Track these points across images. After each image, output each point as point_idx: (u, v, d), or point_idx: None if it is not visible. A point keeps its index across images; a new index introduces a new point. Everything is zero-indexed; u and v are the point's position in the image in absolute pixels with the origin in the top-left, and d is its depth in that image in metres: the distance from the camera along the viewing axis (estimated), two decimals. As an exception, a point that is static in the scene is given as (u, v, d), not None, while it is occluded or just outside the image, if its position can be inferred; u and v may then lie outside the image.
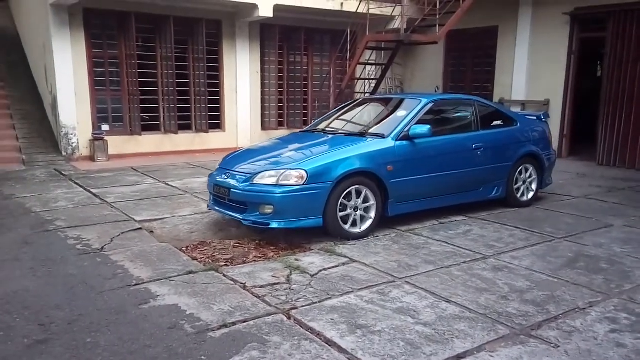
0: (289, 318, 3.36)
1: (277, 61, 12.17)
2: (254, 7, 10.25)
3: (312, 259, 4.53)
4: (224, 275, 4.14)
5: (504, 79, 11.43)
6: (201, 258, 4.61)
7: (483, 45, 11.95)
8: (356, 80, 11.92)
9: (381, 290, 3.84)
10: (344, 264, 4.41)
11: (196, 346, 3.00)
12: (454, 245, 4.93)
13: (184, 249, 4.86)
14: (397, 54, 11.10)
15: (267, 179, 4.95)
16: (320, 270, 4.23)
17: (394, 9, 11.00)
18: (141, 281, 4.00)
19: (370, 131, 5.74)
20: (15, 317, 3.37)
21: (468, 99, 6.48)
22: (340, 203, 5.00)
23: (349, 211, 5.07)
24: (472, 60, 12.35)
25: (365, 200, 5.15)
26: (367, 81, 11.60)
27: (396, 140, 5.39)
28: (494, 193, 6.22)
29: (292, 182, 4.86)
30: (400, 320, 3.34)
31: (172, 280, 4.02)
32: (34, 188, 7.47)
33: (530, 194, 6.55)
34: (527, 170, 6.48)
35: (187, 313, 3.43)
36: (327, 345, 3.01)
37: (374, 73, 11.76)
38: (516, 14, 11.00)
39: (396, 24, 11.25)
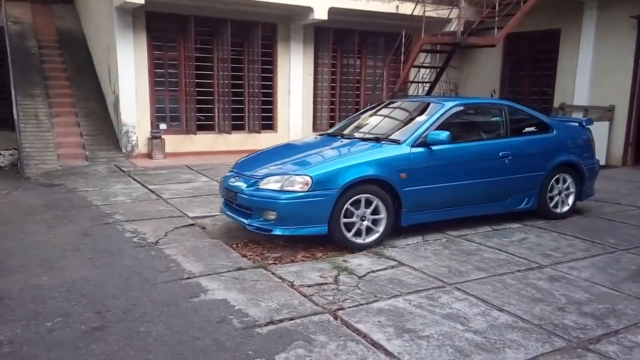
0: (336, 318, 3.35)
1: (330, 63, 12.20)
2: (309, 10, 10.33)
3: (360, 261, 4.49)
4: (272, 273, 4.17)
5: (565, 84, 10.99)
6: (250, 255, 4.67)
7: (544, 48, 11.55)
8: (409, 83, 11.78)
9: (430, 295, 3.76)
10: (392, 267, 4.36)
11: (243, 341, 3.03)
12: (507, 253, 4.77)
13: (234, 245, 4.94)
14: (453, 57, 10.90)
15: (271, 184, 4.80)
16: (368, 272, 4.20)
17: (450, 12, 10.82)
18: (192, 275, 4.10)
19: (386, 137, 5.42)
20: (73, 304, 3.52)
21: (497, 104, 6.17)
22: (347, 210, 4.77)
23: (354, 219, 4.82)
24: (532, 64, 11.95)
25: (375, 211, 4.88)
26: (420, 84, 11.45)
27: (412, 146, 5.10)
28: (523, 204, 5.82)
29: (296, 188, 4.68)
30: (450, 326, 3.26)
31: (222, 276, 4.09)
32: (95, 183, 7.80)
33: (567, 206, 6.10)
34: (564, 181, 6.03)
35: (236, 308, 3.48)
36: (373, 348, 2.98)
37: (428, 76, 11.60)
38: (580, 16, 10.56)
39: (453, 27, 11.06)
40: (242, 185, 5.01)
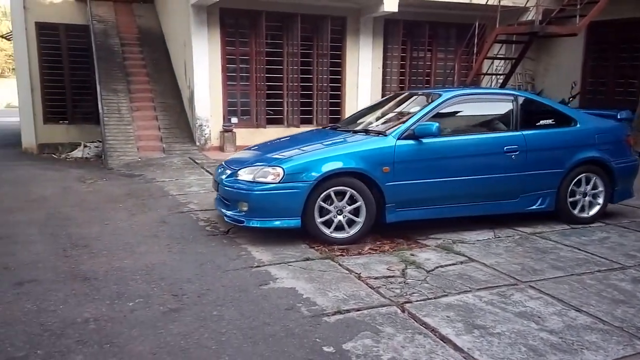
0: (403, 311, 3.33)
1: (400, 56, 12.05)
2: (379, 2, 10.24)
3: (428, 255, 4.43)
4: (340, 265, 4.20)
5: (654, 75, 10.26)
6: (318, 246, 4.71)
7: (629, 37, 10.81)
8: (482, 76, 11.42)
9: (502, 292, 3.65)
10: (461, 262, 4.26)
11: (311, 328, 3.08)
12: (587, 252, 4.53)
13: (302, 236, 5.00)
14: (530, 47, 10.44)
15: (245, 175, 4.77)
16: (437, 267, 4.13)
17: (528, 0, 10.36)
18: (262, 264, 4.21)
19: (375, 128, 5.26)
20: (153, 286, 3.72)
21: (507, 94, 5.62)
22: (323, 203, 4.65)
23: (331, 214, 4.68)
24: (616, 54, 11.23)
25: (353, 203, 4.70)
26: (494, 77, 11.07)
27: (398, 138, 4.82)
28: (537, 205, 5.28)
29: (268, 179, 4.60)
30: (523, 324, 3.15)
31: (290, 265, 4.17)
32: (171, 174, 8.18)
33: (594, 210, 5.44)
34: (588, 181, 5.40)
35: (304, 297, 3.54)
36: (441, 342, 2.93)
37: (503, 68, 11.19)
38: (673, 1, 9.80)
39: (530, 16, 10.59)
40: (225, 176, 5.04)
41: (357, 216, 4.73)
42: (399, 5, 10.27)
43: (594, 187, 5.44)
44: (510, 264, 4.23)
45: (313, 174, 4.57)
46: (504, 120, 5.34)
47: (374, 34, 11.48)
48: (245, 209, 4.70)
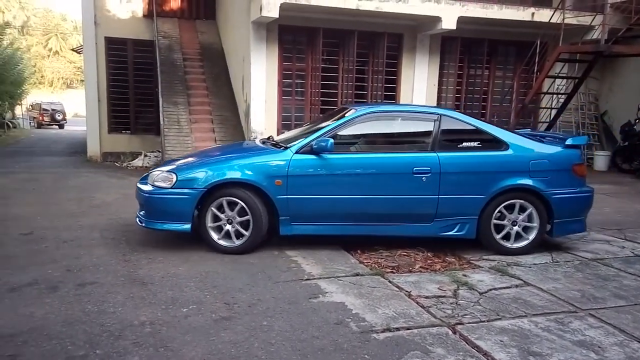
0: (454, 332, 3.26)
1: (456, 74, 11.90)
2: (437, 19, 10.19)
3: (481, 277, 4.32)
4: (390, 282, 4.17)
5: None
6: (368, 262, 4.70)
7: None
8: (542, 95, 11.11)
9: (560, 319, 3.51)
10: (516, 285, 4.13)
11: (360, 345, 3.07)
12: (652, 282, 4.29)
13: (352, 252, 5.00)
14: (594, 66, 10.08)
15: (149, 179, 4.98)
16: (490, 289, 4.02)
17: (593, 19, 10.04)
18: (312, 277, 4.23)
19: (284, 142, 5.18)
20: (206, 293, 3.81)
21: (430, 113, 5.17)
22: (214, 213, 4.74)
23: (222, 222, 4.75)
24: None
25: (243, 214, 4.73)
26: (555, 96, 10.74)
27: (296, 152, 4.79)
28: (454, 231, 4.95)
29: (162, 184, 4.79)
30: (581, 354, 3.01)
31: (340, 280, 4.17)
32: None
33: (525, 241, 4.99)
34: (521, 209, 4.96)
35: (353, 312, 3.53)
36: (494, 367, 2.85)
37: (564, 87, 10.84)
38: None
39: (595, 34, 10.24)
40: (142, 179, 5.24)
41: (247, 226, 4.77)
42: (457, 23, 10.19)
43: (528, 218, 4.99)
44: (569, 290, 4.07)
45: (203, 182, 4.71)
46: (421, 140, 5.11)
47: (430, 51, 11.40)
48: (143, 211, 4.99)
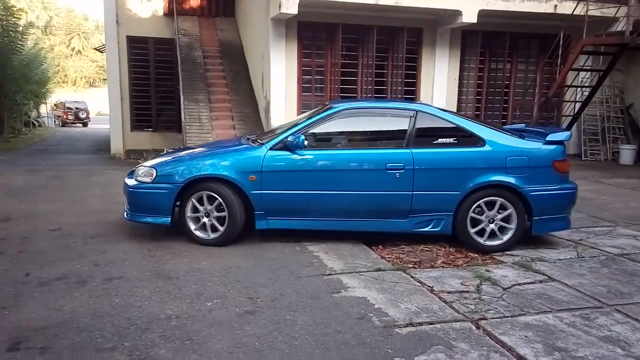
0: (478, 328, 3.25)
1: (477, 68, 11.80)
2: (457, 13, 10.10)
3: (504, 272, 4.29)
4: (412, 277, 4.17)
5: None
6: (389, 257, 4.70)
7: None
8: (566, 88, 10.93)
9: (585, 314, 3.47)
10: (541, 281, 4.10)
11: (383, 339, 3.08)
12: (681, 278, 4.22)
13: (373, 247, 5.01)
14: (619, 59, 9.89)
15: (134, 174, 5.14)
16: (514, 285, 3.99)
17: (617, 10, 9.84)
18: (334, 272, 4.25)
19: (261, 138, 5.32)
20: (229, 288, 3.86)
21: (407, 109, 5.10)
22: (193, 206, 4.91)
23: (200, 215, 4.93)
24: None
25: (220, 209, 4.88)
26: (579, 89, 10.56)
27: (270, 149, 4.88)
28: (430, 227, 4.92)
29: (144, 179, 4.98)
30: (607, 349, 2.98)
31: (362, 275, 4.19)
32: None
33: (504, 237, 4.87)
34: (496, 206, 4.85)
35: (375, 307, 3.54)
36: (518, 362, 2.84)
37: (589, 80, 10.65)
38: None
39: (620, 26, 10.03)
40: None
41: (224, 220, 4.90)
42: (478, 16, 10.08)
43: (506, 216, 4.89)
44: (594, 285, 4.02)
45: (180, 177, 4.88)
46: (396, 136, 5.05)
47: (450, 45, 11.31)
48: (127, 205, 5.22)
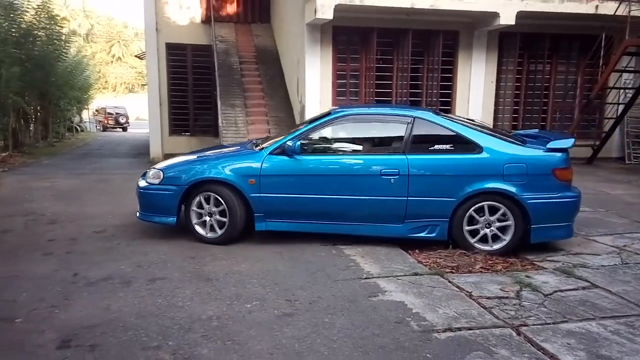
0: (519, 334, 3.21)
1: (516, 70, 11.62)
2: (495, 15, 9.97)
3: (545, 278, 4.22)
4: (449, 282, 4.14)
5: None
6: (426, 262, 4.68)
7: None
8: (608, 90, 10.64)
9: (630, 322, 3.38)
10: (583, 287, 4.01)
11: (421, 343, 3.08)
12: None
13: (410, 251, 5.00)
14: (664, 59, 9.58)
15: (146, 175, 5.42)
16: (555, 291, 3.92)
17: (662, 8, 9.54)
18: (370, 276, 4.27)
19: (263, 143, 5.48)
20: (267, 290, 3.93)
21: (405, 115, 5.12)
22: (197, 206, 5.16)
23: (205, 216, 5.16)
24: None
25: (224, 212, 5.10)
26: (621, 91, 10.27)
27: (269, 153, 5.07)
28: (425, 232, 4.95)
29: (153, 181, 5.26)
30: (654, 359, 2.90)
31: (399, 279, 4.19)
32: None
33: (501, 243, 4.84)
34: (494, 211, 4.82)
35: (413, 311, 3.54)
36: (561, 370, 2.79)
37: (632, 82, 10.34)
38: None
39: (665, 25, 9.72)
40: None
41: (225, 221, 5.13)
42: (517, 18, 9.93)
43: (502, 220, 4.84)
44: (639, 292, 3.90)
45: (185, 179, 5.15)
46: (392, 142, 5.11)
47: (487, 47, 11.18)
48: (139, 205, 5.46)
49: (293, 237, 5.29)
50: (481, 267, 4.54)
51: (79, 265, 4.49)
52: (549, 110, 11.89)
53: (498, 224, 4.86)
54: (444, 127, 5.02)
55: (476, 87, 11.29)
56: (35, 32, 15.05)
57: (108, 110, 34.25)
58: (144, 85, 55.17)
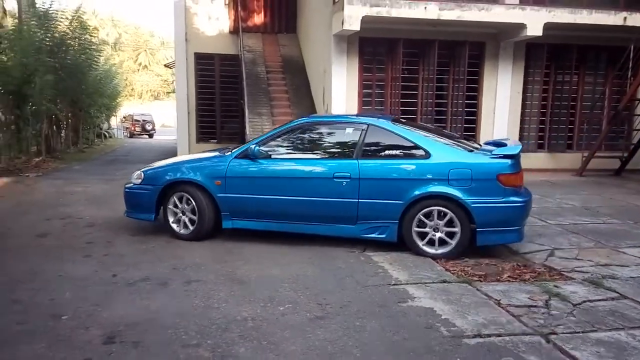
0: (548, 342, 3.26)
1: (542, 81, 11.59)
2: (522, 26, 10.00)
3: (574, 288, 4.24)
4: (477, 290, 4.20)
5: None
6: (454, 270, 4.74)
7: None
8: (637, 102, 10.55)
9: (660, 333, 3.40)
10: (612, 298, 4.03)
11: (451, 348, 3.15)
12: None
13: (437, 259, 5.06)
14: (695, 70, 9.47)
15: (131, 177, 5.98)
16: (584, 301, 3.95)
17: (693, 19, 9.45)
18: (399, 282, 4.35)
19: (234, 148, 5.89)
20: (299, 294, 4.04)
21: (359, 123, 5.43)
22: (175, 205, 5.61)
23: (179, 215, 5.62)
24: None
25: (193, 209, 5.52)
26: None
27: (234, 157, 5.49)
28: (376, 234, 5.21)
29: (135, 181, 5.81)
30: (685, 369, 2.92)
31: (427, 286, 4.26)
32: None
33: (447, 247, 5.03)
34: (442, 216, 5.00)
35: (442, 317, 3.61)
36: (591, 377, 2.84)
37: (661, 93, 10.23)
38: None
39: (696, 36, 9.63)
40: None
41: (195, 219, 5.55)
42: (544, 29, 9.94)
43: (449, 224, 5.02)
44: (670, 305, 3.91)
45: (161, 180, 5.65)
46: (347, 147, 5.40)
47: (514, 57, 11.19)
48: (125, 203, 6.00)
49: (321, 243, 5.41)
50: (509, 276, 4.58)
51: (117, 266, 4.68)
52: (576, 122, 11.81)
53: (446, 228, 5.04)
54: (396, 134, 5.30)
55: (502, 97, 11.30)
56: (69, 41, 15.55)
57: (135, 118, 34.95)
58: (169, 92, 56.20)
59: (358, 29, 9.59)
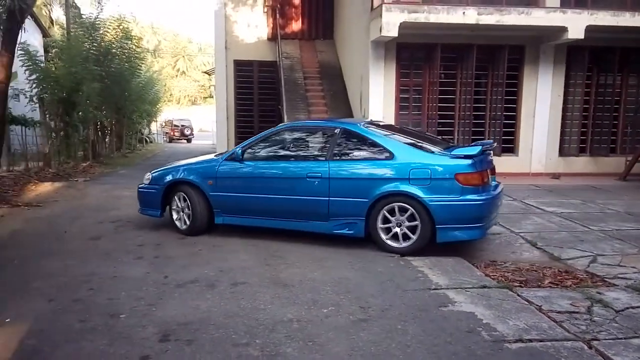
0: (590, 348, 3.28)
1: (584, 84, 11.39)
2: (563, 30, 9.88)
3: (617, 295, 4.23)
4: (518, 295, 4.23)
5: None
6: (494, 275, 4.78)
7: None
8: (684, 104, 10.25)
9: None
10: (657, 306, 4.00)
11: (493, 352, 3.22)
12: None
13: (476, 264, 5.11)
14: None
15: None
16: (627, 308, 3.94)
17: None
18: (439, 287, 4.42)
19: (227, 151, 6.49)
20: (341, 297, 4.17)
21: (332, 127, 5.92)
22: (177, 204, 6.27)
23: (178, 211, 6.29)
24: None
25: (189, 206, 6.16)
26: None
27: (224, 159, 6.07)
28: (346, 230, 5.59)
29: (146, 181, 6.57)
30: None
31: (467, 291, 4.32)
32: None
33: (409, 241, 5.33)
34: (403, 212, 5.31)
35: (483, 322, 3.67)
36: (634, 383, 2.86)
37: None
38: None
39: None
40: None
41: (192, 215, 6.19)
42: (585, 32, 9.79)
43: (412, 221, 5.31)
44: None
45: (164, 180, 6.36)
46: (320, 149, 5.89)
47: (555, 61, 11.05)
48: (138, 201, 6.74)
49: (362, 246, 5.52)
50: (550, 282, 4.60)
51: (167, 268, 4.91)
52: (619, 125, 11.56)
53: (408, 223, 5.34)
54: (365, 136, 5.67)
55: (543, 101, 11.17)
56: (114, 50, 16.17)
57: (174, 123, 35.83)
58: (206, 97, 57.39)
59: (396, 35, 9.67)
